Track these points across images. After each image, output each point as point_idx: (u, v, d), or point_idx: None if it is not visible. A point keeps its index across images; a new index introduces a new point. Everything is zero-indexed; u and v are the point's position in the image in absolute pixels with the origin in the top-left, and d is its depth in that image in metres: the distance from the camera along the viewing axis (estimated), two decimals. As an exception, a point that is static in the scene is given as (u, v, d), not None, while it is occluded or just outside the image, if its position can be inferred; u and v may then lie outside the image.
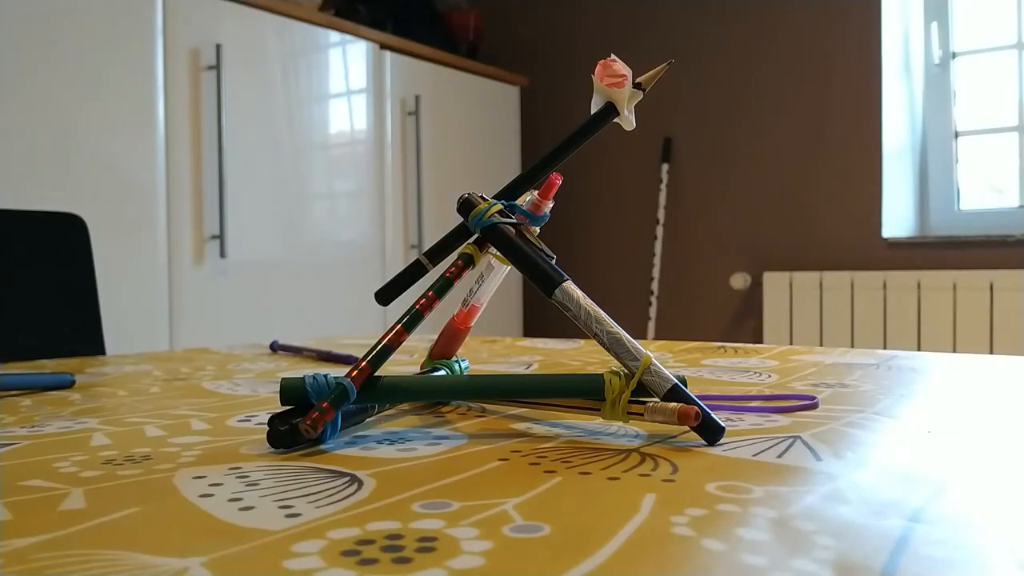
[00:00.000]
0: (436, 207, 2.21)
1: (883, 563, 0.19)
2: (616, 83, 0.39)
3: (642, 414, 0.33)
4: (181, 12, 1.63)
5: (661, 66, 0.38)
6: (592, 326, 0.35)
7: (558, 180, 0.39)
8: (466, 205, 0.38)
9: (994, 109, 2.23)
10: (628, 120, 0.40)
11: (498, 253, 0.39)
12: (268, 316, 1.79)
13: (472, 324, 0.44)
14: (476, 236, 0.39)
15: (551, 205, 0.39)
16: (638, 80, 0.39)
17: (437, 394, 0.38)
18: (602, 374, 0.34)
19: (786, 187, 2.32)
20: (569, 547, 0.20)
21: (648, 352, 0.34)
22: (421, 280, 0.42)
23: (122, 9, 1.54)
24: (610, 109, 0.39)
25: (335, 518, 0.23)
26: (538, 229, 0.40)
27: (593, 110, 0.40)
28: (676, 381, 0.34)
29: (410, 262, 0.42)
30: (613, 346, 0.34)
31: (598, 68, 0.39)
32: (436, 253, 0.42)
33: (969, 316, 1.99)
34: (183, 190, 1.64)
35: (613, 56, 0.39)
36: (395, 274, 0.42)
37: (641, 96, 0.39)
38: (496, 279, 0.42)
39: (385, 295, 0.42)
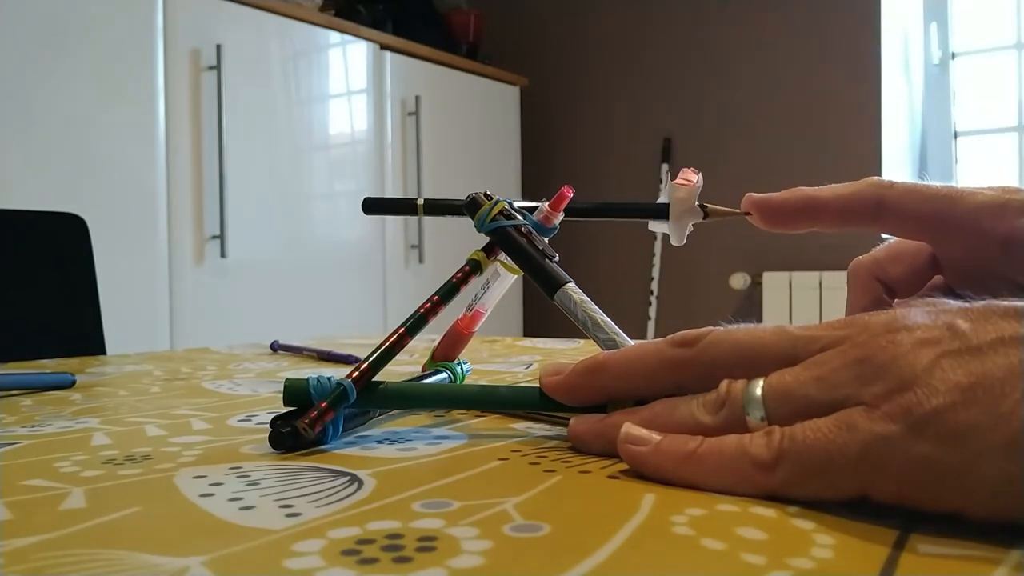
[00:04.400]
0: (436, 207, 2.20)
1: (882, 563, 0.19)
2: (681, 183, 0.39)
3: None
4: (182, 12, 1.63)
5: (735, 210, 0.39)
6: (592, 331, 0.35)
7: (569, 193, 0.39)
8: (472, 204, 0.39)
9: (994, 109, 2.23)
10: (677, 234, 0.39)
11: (506, 261, 0.39)
12: (268, 316, 1.79)
13: (475, 329, 0.44)
14: (478, 242, 0.39)
15: (561, 217, 0.40)
16: (705, 204, 0.39)
17: (441, 403, 0.38)
18: None
19: (785, 187, 2.32)
20: (569, 547, 0.20)
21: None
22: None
23: (123, 9, 1.54)
24: (663, 208, 0.39)
25: (335, 517, 0.23)
26: (547, 239, 0.40)
27: (659, 200, 0.40)
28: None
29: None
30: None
31: (682, 169, 0.40)
32: (433, 207, 0.43)
33: (969, 316, 1.99)
34: (183, 190, 1.64)
35: (695, 170, 0.40)
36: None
37: (701, 217, 0.39)
38: (502, 286, 0.42)
39: (370, 207, 0.44)
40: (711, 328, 0.28)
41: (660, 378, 0.29)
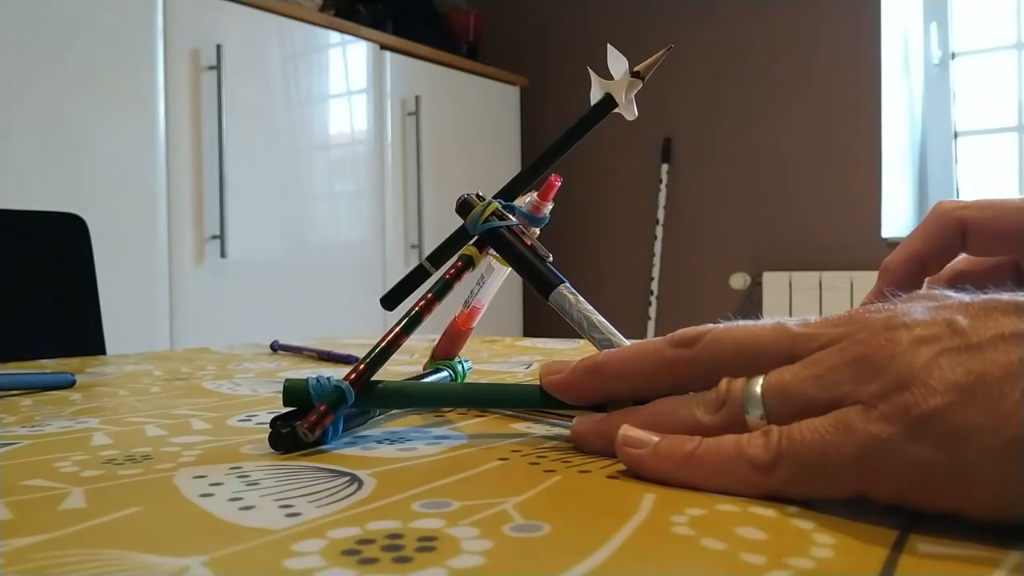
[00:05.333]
0: (436, 207, 2.21)
1: (882, 563, 0.19)
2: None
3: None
4: (182, 12, 1.63)
5: (659, 53, 0.38)
6: (587, 331, 0.35)
7: (557, 182, 0.39)
8: (464, 206, 0.38)
9: (994, 109, 2.23)
10: (628, 109, 0.39)
11: (498, 255, 0.39)
12: (268, 316, 1.79)
13: (474, 325, 0.44)
14: (475, 239, 0.38)
15: (551, 207, 0.39)
16: (636, 69, 0.38)
17: (441, 402, 0.38)
18: None
19: (786, 187, 2.32)
20: (569, 547, 0.20)
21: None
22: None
23: (123, 9, 1.54)
24: (608, 100, 0.39)
25: (335, 517, 0.23)
26: (538, 230, 0.40)
27: (593, 103, 0.39)
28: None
29: (410, 262, 0.43)
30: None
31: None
32: (439, 257, 0.42)
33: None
34: (183, 190, 1.64)
35: (609, 46, 0.39)
36: (396, 276, 0.42)
37: (640, 85, 0.39)
38: (497, 280, 0.42)
39: (390, 300, 0.43)
40: (710, 326, 0.28)
41: (660, 378, 0.29)
